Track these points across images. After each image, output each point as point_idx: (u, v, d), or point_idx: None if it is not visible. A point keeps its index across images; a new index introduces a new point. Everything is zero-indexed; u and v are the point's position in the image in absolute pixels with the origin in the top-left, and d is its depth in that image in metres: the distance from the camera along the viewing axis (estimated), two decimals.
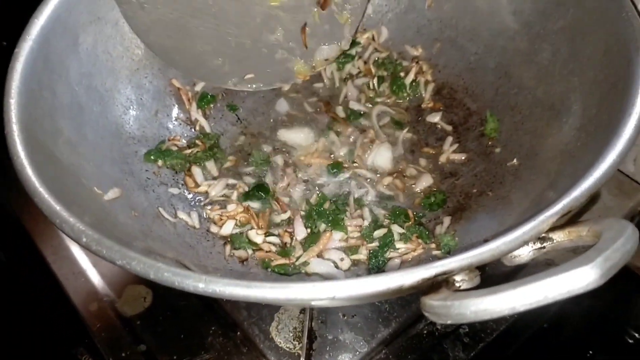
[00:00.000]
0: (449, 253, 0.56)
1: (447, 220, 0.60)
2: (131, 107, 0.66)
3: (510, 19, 0.65)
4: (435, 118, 0.69)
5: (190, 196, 0.64)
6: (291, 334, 0.63)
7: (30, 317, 0.70)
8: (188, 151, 0.67)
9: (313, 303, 0.49)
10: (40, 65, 0.56)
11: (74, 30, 0.61)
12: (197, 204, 0.64)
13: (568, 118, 0.56)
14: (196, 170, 0.66)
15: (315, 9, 0.64)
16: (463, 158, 0.65)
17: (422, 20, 0.73)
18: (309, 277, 0.58)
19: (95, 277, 0.68)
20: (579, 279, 0.32)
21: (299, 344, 0.62)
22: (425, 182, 0.64)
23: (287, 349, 0.62)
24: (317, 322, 0.63)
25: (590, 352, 0.70)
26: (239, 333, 0.64)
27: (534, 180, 0.56)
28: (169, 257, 0.54)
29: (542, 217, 0.40)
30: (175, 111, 0.70)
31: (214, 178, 0.67)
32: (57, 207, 0.45)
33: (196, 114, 0.70)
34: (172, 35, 0.65)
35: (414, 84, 0.71)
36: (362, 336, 0.62)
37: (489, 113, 0.65)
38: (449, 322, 0.36)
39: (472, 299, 0.34)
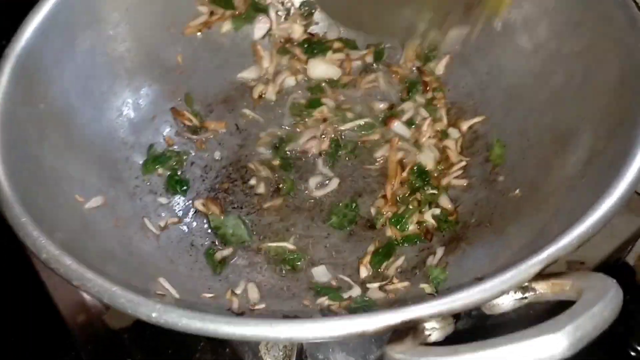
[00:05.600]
0: (437, 288, 0.52)
1: (440, 251, 0.56)
2: (127, 111, 0.65)
3: (525, 38, 0.61)
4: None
5: (178, 207, 0.63)
6: (281, 353, 0.60)
7: (17, 326, 0.69)
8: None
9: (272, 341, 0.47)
10: (32, 67, 0.55)
11: (71, 30, 0.60)
12: (185, 214, 0.62)
13: (576, 149, 0.52)
14: None
15: None
16: (465, 184, 0.62)
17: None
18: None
19: None
20: (545, 347, 0.29)
21: None
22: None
23: None
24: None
25: None
26: (227, 350, 0.62)
27: (534, 215, 0.52)
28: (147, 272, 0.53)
29: (522, 267, 0.37)
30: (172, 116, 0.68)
31: None
32: (23, 219, 0.43)
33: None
34: None
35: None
36: (354, 357, 0.60)
37: (496, 138, 0.62)
38: None
39: (431, 357, 0.32)
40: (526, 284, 0.38)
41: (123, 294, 0.38)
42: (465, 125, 0.65)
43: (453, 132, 0.65)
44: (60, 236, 0.45)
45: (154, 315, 0.37)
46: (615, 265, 0.71)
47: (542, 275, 0.38)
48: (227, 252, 0.59)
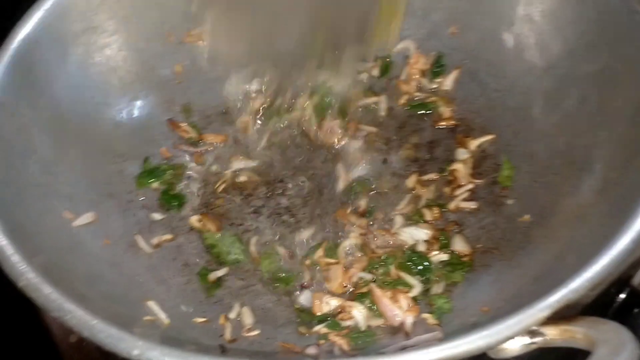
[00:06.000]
0: (440, 318, 0.50)
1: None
2: (122, 122, 0.62)
3: (537, 56, 0.59)
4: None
5: (172, 223, 0.60)
6: None
7: (4, 348, 0.66)
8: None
9: None
10: (19, 78, 0.53)
11: (64, 39, 0.58)
12: (180, 231, 0.60)
13: (589, 177, 0.50)
14: None
15: None
16: (474, 207, 0.58)
17: (443, 48, 0.67)
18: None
19: None
20: None
21: None
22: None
23: None
24: None
25: None
26: None
27: (544, 245, 0.50)
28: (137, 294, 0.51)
29: (530, 311, 0.35)
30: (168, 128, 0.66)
31: None
32: (2, 242, 0.41)
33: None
34: None
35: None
36: None
37: (504, 158, 0.59)
38: None
39: None
40: (535, 328, 0.36)
41: (104, 329, 0.36)
42: (473, 144, 0.62)
43: (461, 153, 0.62)
44: (43, 259, 0.43)
45: (135, 352, 0.35)
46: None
47: (552, 319, 0.35)
48: (221, 272, 0.56)
